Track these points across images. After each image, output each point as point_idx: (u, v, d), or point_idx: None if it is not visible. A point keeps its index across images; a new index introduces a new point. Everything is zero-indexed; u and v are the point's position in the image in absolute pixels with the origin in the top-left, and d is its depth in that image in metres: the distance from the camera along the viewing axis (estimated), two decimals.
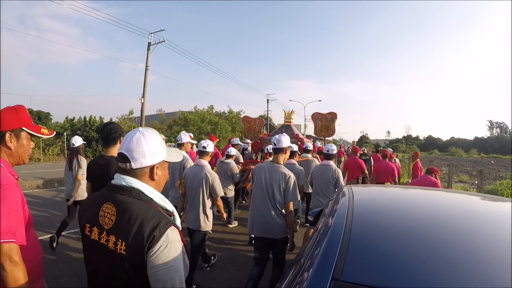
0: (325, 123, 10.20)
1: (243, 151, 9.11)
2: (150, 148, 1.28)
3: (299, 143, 8.14)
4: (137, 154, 1.26)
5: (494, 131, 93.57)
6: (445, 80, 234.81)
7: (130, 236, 1.16)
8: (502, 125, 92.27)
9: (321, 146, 10.26)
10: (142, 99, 21.47)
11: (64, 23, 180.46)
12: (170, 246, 1.18)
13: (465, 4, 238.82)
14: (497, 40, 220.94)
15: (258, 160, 8.74)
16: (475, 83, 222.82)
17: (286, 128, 9.76)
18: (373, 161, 11.48)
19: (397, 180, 7.85)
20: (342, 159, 15.45)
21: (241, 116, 45.08)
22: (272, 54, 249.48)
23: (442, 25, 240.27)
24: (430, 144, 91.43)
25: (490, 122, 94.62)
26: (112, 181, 1.32)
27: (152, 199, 1.28)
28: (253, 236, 3.57)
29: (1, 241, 1.34)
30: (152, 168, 1.31)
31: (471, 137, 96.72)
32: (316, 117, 10.30)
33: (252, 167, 7.09)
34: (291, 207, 3.27)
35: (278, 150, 3.39)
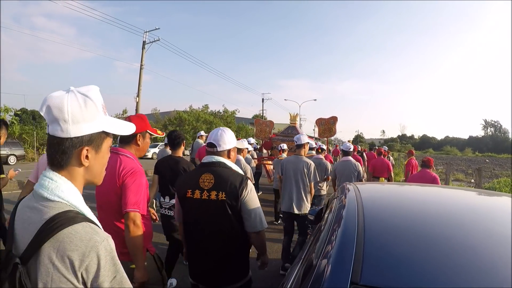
0: (327, 126, 11.29)
1: (254, 150, 10.08)
2: (228, 139, 2.12)
3: None
4: (221, 142, 2.09)
5: (489, 130, 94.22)
6: (439, 80, 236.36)
7: (227, 188, 1.97)
8: (496, 124, 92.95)
9: (323, 145, 11.01)
10: (137, 98, 21.31)
11: (59, 22, 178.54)
12: (252, 190, 2.05)
13: (457, 4, 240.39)
14: (489, 40, 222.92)
15: (272, 156, 10.00)
16: (469, 82, 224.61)
17: (292, 128, 11.13)
18: (366, 158, 12.19)
19: (392, 176, 8.02)
20: (338, 157, 15.63)
21: (236, 116, 45.39)
22: (267, 54, 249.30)
23: (435, 25, 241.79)
24: (425, 143, 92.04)
25: (485, 121, 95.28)
26: (204, 161, 2.13)
27: (232, 168, 2.09)
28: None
29: (130, 209, 1.92)
30: (229, 151, 2.15)
31: (466, 136, 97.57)
32: (319, 122, 11.46)
33: (269, 162, 9.36)
34: (312, 185, 4.48)
35: (299, 146, 4.44)
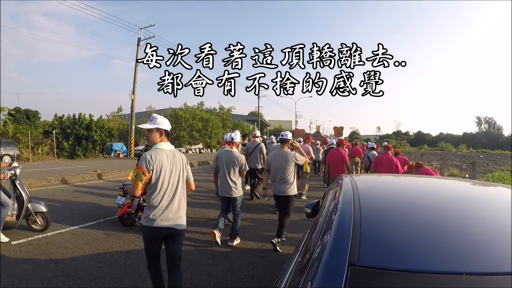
0: (338, 131, 25.17)
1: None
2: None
3: (324, 140, 15.87)
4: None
5: (483, 126, 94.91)
6: (433, 77, 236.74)
7: None
8: (490, 120, 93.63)
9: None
10: (132, 95, 21.17)
11: (57, 20, 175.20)
12: None
13: (451, 4, 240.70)
14: (482, 39, 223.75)
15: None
16: (463, 80, 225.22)
17: (318, 133, 27.30)
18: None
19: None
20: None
21: (232, 113, 45.55)
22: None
23: (430, 25, 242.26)
24: (420, 139, 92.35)
25: (478, 118, 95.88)
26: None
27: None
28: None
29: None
30: None
31: (460, 133, 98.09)
32: (335, 128, 25.95)
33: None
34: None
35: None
